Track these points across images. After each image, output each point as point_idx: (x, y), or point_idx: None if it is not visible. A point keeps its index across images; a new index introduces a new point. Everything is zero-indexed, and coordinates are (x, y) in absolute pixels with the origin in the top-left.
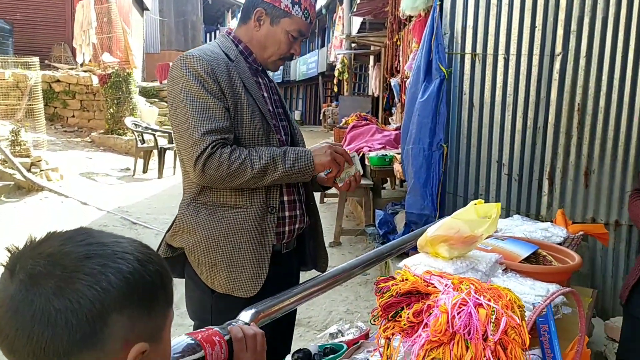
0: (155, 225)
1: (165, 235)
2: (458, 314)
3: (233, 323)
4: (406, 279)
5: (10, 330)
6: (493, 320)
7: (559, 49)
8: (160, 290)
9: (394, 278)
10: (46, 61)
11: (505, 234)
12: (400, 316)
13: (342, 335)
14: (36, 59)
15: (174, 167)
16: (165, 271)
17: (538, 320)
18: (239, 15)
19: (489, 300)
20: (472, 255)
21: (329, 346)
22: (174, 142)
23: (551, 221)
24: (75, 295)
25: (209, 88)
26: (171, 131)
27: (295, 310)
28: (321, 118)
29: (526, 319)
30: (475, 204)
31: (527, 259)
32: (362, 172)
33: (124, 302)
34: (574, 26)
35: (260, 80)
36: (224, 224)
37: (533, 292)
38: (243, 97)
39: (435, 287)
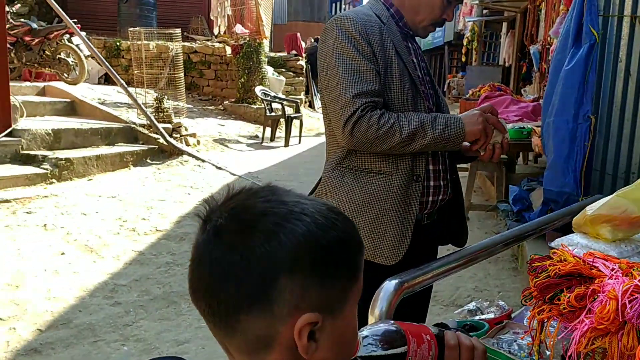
0: None
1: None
2: (630, 302)
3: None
4: (564, 260)
5: (194, 279)
6: None
7: None
8: (340, 259)
9: (550, 257)
10: (185, 33)
11: None
12: (559, 299)
13: (482, 313)
14: (179, 31)
15: (300, 136)
16: (351, 241)
17: None
18: None
19: None
20: (637, 239)
21: (468, 322)
22: (322, 104)
23: None
24: (246, 251)
25: (361, 50)
26: (297, 100)
27: (432, 285)
28: (445, 89)
29: None
30: None
31: None
32: (509, 139)
33: (295, 266)
34: None
35: (410, 45)
36: (368, 190)
37: None
38: (394, 60)
39: (600, 270)
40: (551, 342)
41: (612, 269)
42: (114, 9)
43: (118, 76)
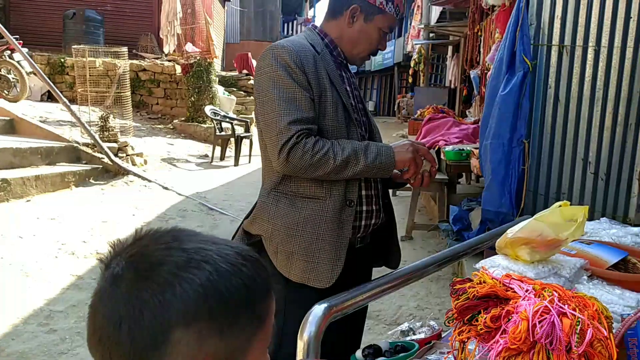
0: (230, 212)
1: (242, 222)
2: (540, 322)
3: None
4: (484, 282)
5: (90, 327)
6: (578, 331)
7: None
8: (242, 308)
9: (470, 280)
10: (134, 50)
11: (591, 238)
12: (477, 320)
13: (414, 334)
14: (125, 49)
15: (250, 156)
16: (256, 288)
17: (626, 333)
18: (317, 7)
19: (574, 309)
20: (555, 260)
21: (400, 344)
22: (258, 131)
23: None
24: (139, 303)
25: (296, 78)
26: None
27: (367, 305)
28: (395, 109)
29: (614, 331)
30: (560, 206)
31: (615, 266)
32: (437, 167)
33: (191, 318)
34: None
35: (343, 74)
36: (303, 214)
37: (622, 302)
38: (328, 89)
39: (515, 292)
40: None
41: (527, 290)
42: (59, 25)
43: (60, 93)
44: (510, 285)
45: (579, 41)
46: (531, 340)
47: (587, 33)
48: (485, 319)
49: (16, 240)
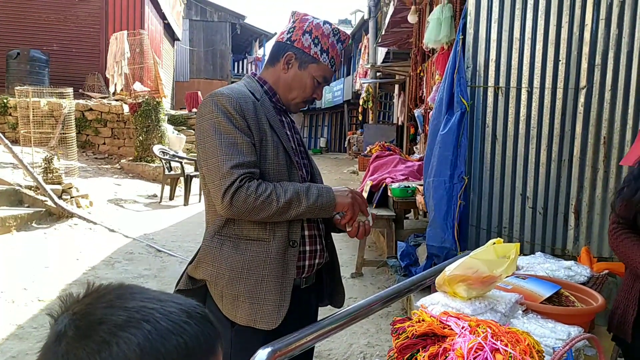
0: (179, 253)
1: (187, 268)
2: (475, 359)
3: None
4: (422, 320)
5: None
6: None
7: (583, 82)
8: None
9: (410, 319)
10: (80, 90)
11: (527, 272)
12: (416, 359)
13: None
14: (70, 90)
15: (200, 195)
16: (198, 346)
17: None
18: (267, 47)
19: (506, 345)
20: (491, 295)
21: None
22: (200, 176)
23: (575, 258)
24: None
25: (237, 124)
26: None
27: (313, 347)
28: (346, 145)
29: None
30: (494, 244)
31: (549, 299)
32: (371, 224)
33: None
34: (598, 60)
35: (283, 119)
36: (247, 257)
37: (554, 336)
38: (268, 133)
39: (451, 329)
40: None
41: (462, 327)
42: (2, 65)
43: (2, 135)
44: (447, 323)
45: (513, 82)
46: None
47: (520, 75)
48: (424, 357)
49: None
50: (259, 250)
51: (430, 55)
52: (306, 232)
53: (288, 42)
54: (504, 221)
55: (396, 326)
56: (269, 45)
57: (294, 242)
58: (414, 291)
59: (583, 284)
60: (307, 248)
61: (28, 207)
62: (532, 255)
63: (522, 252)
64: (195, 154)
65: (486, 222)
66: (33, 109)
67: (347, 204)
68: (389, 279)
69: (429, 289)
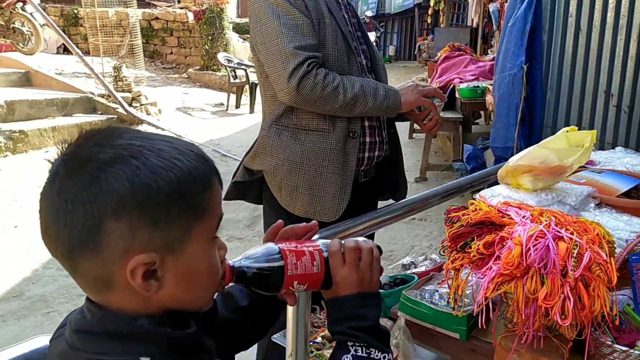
0: None
1: (243, 159)
2: (534, 246)
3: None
4: (479, 209)
5: (40, 220)
6: (575, 255)
7: None
8: (175, 200)
9: (465, 208)
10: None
11: (604, 167)
12: (470, 247)
13: (415, 267)
14: None
15: None
16: (192, 181)
17: (631, 258)
18: None
19: (572, 233)
20: (559, 188)
21: (400, 277)
22: (255, 63)
23: None
24: (70, 197)
25: (294, 3)
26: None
27: (372, 237)
28: (416, 53)
29: (616, 255)
30: (567, 131)
31: (626, 194)
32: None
33: (121, 210)
34: None
35: (340, 0)
36: (306, 147)
37: (629, 229)
38: (326, 15)
39: (511, 218)
40: (460, 291)
41: (523, 216)
42: None
43: (74, 45)
44: (506, 212)
45: None
46: (524, 265)
47: None
48: (478, 245)
49: (36, 190)
50: (319, 141)
51: None
52: (366, 123)
53: None
54: (584, 121)
55: (450, 215)
56: None
57: (354, 133)
58: (474, 188)
59: None
60: (367, 139)
61: (101, 114)
62: (612, 150)
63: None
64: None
65: (563, 122)
66: (101, 19)
67: (414, 100)
68: None
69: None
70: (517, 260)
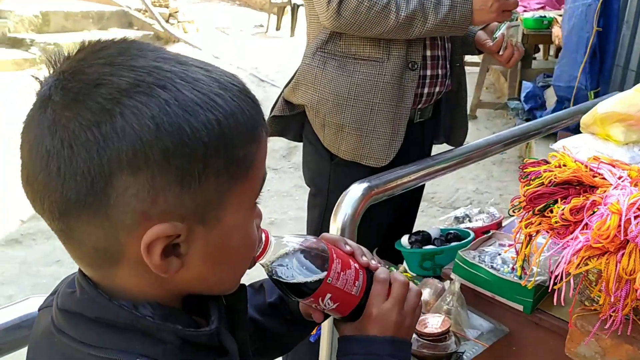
0: (282, 84)
1: (283, 91)
2: (635, 217)
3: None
4: (564, 165)
5: (21, 162)
6: None
7: None
8: (213, 151)
9: (546, 162)
10: None
11: None
12: (552, 211)
13: (470, 221)
14: None
15: None
16: (236, 126)
17: None
18: None
19: None
20: None
21: (452, 231)
22: None
23: None
24: (68, 136)
25: None
26: None
27: (423, 185)
28: None
29: None
30: None
31: None
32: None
33: (140, 161)
34: None
35: None
36: (355, 80)
37: None
38: None
39: (604, 179)
40: (537, 259)
41: (620, 177)
42: None
43: None
44: (598, 171)
45: None
46: (622, 238)
47: None
48: (562, 210)
49: None
50: (370, 72)
51: None
52: (428, 52)
53: None
54: None
55: (527, 169)
56: None
57: (414, 63)
58: (540, 135)
59: None
60: (428, 72)
61: (137, 30)
62: None
63: None
64: None
65: (637, 62)
66: None
67: (490, 19)
68: (507, 123)
69: (554, 136)
70: (613, 232)
